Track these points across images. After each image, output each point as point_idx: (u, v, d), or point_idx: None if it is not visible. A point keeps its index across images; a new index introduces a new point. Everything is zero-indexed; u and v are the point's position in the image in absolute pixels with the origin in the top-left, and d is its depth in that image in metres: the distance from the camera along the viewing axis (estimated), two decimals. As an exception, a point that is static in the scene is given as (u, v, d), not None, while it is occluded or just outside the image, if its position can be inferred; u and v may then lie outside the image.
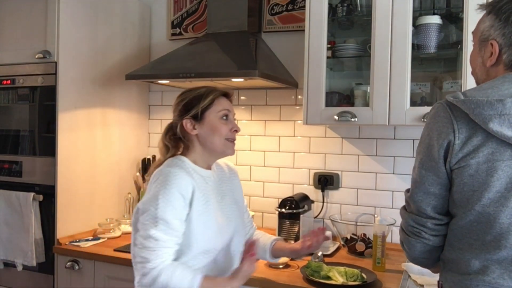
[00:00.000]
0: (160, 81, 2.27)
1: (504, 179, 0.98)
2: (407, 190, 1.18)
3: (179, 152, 1.45)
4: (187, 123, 1.39)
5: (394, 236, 2.17)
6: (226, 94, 1.45)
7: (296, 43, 2.28)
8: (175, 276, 1.21)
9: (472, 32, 1.19)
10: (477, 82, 1.16)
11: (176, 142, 1.44)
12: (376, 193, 2.22)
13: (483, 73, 1.13)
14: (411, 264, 1.82)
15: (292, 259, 1.90)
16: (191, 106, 1.39)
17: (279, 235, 2.07)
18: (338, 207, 2.29)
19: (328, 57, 1.98)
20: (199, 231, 1.32)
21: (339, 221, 2.15)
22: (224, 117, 1.41)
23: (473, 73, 1.19)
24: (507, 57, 1.07)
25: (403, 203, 1.12)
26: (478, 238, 1.02)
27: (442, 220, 1.10)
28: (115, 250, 2.04)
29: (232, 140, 1.43)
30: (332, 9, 2.01)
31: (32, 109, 2.18)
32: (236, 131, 1.44)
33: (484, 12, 1.13)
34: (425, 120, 1.75)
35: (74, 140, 2.18)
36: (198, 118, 1.39)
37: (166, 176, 1.29)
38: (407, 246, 1.16)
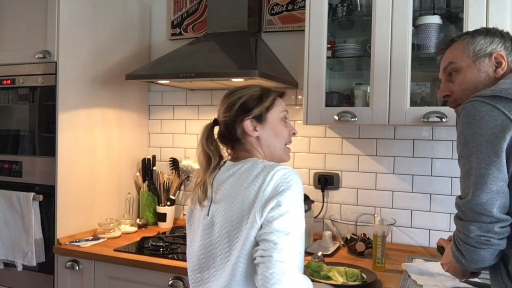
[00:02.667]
0: (160, 81, 2.27)
1: None
2: (459, 197, 1.12)
3: (225, 159, 1.31)
4: (248, 124, 1.27)
5: (394, 236, 2.17)
6: (282, 95, 1.36)
7: (296, 43, 2.28)
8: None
9: (453, 61, 1.24)
10: None
11: (217, 150, 1.29)
12: (376, 193, 2.22)
13: (490, 85, 1.15)
14: (411, 264, 1.82)
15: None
16: (252, 106, 1.28)
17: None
18: (338, 207, 2.29)
19: (328, 57, 1.98)
20: None
21: (339, 221, 2.15)
22: (284, 119, 1.33)
23: (471, 93, 1.17)
24: None
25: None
26: None
27: (508, 221, 1.05)
28: (115, 250, 2.04)
29: (289, 145, 1.36)
30: (332, 9, 2.01)
31: (32, 109, 2.18)
32: (294, 133, 1.35)
33: (462, 39, 1.24)
34: (424, 120, 1.77)
35: (74, 140, 2.18)
36: (261, 119, 1.28)
37: (300, 185, 1.19)
38: (472, 258, 1.08)
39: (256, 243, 1.14)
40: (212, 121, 1.34)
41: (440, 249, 1.43)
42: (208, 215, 1.25)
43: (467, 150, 1.07)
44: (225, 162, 1.30)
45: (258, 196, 1.15)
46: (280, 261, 1.08)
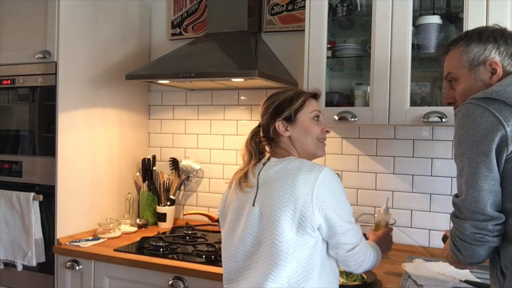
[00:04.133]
0: (160, 81, 2.27)
1: None
2: (456, 195, 1.16)
3: (266, 156, 1.43)
4: (280, 125, 1.39)
5: (394, 236, 2.15)
6: (315, 96, 1.47)
7: (296, 43, 2.28)
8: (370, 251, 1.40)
9: (451, 71, 1.27)
10: None
11: (258, 147, 1.43)
12: (376, 193, 2.22)
13: None
14: (411, 264, 1.83)
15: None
16: (283, 108, 1.40)
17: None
18: (338, 207, 2.29)
19: (328, 57, 1.98)
20: None
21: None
22: (316, 118, 1.43)
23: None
24: (510, 68, 1.19)
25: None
26: None
27: (501, 219, 1.08)
28: (115, 250, 2.04)
29: (323, 141, 1.45)
30: (332, 9, 2.01)
31: (32, 109, 2.18)
32: (328, 131, 1.45)
33: (457, 47, 1.25)
34: (424, 120, 1.77)
35: (74, 140, 2.18)
36: (290, 120, 1.39)
37: (340, 181, 1.34)
38: (467, 254, 1.13)
39: (317, 240, 1.28)
40: (256, 126, 1.47)
41: (445, 239, 1.46)
42: (254, 205, 1.33)
43: (460, 150, 1.12)
44: (269, 158, 1.40)
45: (313, 194, 1.25)
46: (357, 252, 1.33)
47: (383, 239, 1.60)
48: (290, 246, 1.25)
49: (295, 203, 1.26)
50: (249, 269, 1.33)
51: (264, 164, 1.38)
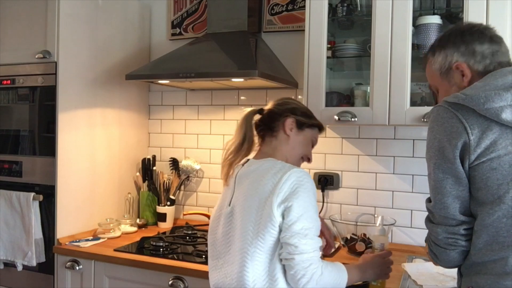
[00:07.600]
0: (160, 81, 2.27)
1: None
2: (428, 200, 1.16)
3: (252, 154, 1.43)
4: (291, 122, 1.41)
5: (394, 236, 2.17)
6: (322, 128, 1.54)
7: (296, 43, 2.28)
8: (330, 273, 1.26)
9: (430, 83, 1.29)
10: None
11: (252, 132, 1.42)
12: (376, 193, 2.22)
13: None
14: (411, 264, 1.83)
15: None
16: (299, 114, 1.44)
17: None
18: (338, 207, 2.29)
19: (328, 57, 1.98)
20: None
21: (339, 221, 2.15)
22: (312, 143, 1.50)
23: None
24: (477, 66, 1.15)
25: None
26: (509, 234, 1.01)
27: (472, 223, 1.08)
28: (115, 250, 2.04)
29: (303, 161, 1.50)
30: (332, 9, 2.01)
31: (32, 109, 2.18)
32: (309, 160, 1.50)
33: (428, 60, 1.26)
34: (425, 120, 1.77)
35: (74, 140, 2.18)
36: (301, 126, 1.44)
37: (313, 187, 1.30)
38: (443, 258, 1.14)
39: (278, 239, 1.25)
40: (258, 108, 1.46)
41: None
42: (230, 205, 1.37)
43: (428, 154, 1.12)
44: (247, 160, 1.42)
45: (274, 192, 1.26)
46: (302, 260, 1.21)
47: (371, 264, 1.48)
48: (250, 247, 1.25)
49: (258, 203, 1.27)
50: (221, 268, 1.35)
51: (243, 165, 1.41)
